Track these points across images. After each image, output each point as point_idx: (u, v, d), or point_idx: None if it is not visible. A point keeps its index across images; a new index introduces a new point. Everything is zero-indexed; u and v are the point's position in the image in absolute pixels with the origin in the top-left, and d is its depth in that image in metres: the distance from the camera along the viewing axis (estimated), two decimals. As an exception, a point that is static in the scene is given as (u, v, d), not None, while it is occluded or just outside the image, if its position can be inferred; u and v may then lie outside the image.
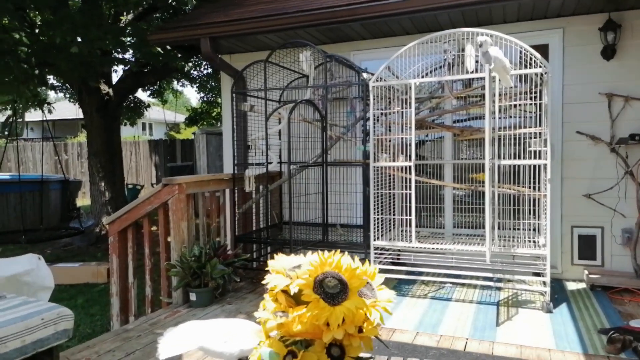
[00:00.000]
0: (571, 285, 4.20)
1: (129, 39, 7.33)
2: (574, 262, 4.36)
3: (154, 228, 4.44)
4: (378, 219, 4.07)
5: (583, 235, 4.31)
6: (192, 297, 3.84)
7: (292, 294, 1.41)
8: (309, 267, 1.39)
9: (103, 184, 8.71)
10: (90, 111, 8.63)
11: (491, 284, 4.06)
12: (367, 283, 1.47)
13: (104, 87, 8.69)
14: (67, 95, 11.16)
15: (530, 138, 3.74)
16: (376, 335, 1.42)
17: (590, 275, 4.07)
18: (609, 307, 3.62)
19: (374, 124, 4.04)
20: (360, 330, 1.40)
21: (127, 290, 4.28)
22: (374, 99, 3.99)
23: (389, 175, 4.23)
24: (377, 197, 4.06)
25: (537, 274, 3.85)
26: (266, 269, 1.53)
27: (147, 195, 4.13)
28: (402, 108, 4.05)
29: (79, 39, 6.48)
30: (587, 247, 4.30)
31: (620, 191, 4.19)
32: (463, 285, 4.19)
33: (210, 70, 11.15)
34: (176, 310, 3.80)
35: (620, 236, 4.20)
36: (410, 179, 3.88)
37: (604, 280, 4.00)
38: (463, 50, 3.69)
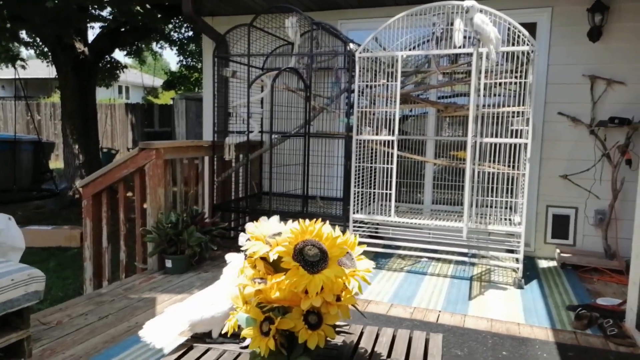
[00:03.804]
0: (543, 263, 4.30)
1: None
2: (546, 241, 4.46)
3: (129, 193, 4.35)
4: (358, 192, 4.07)
5: (557, 215, 4.40)
6: (168, 263, 3.80)
7: (271, 261, 1.38)
8: (290, 234, 1.36)
9: (77, 146, 8.47)
10: (65, 70, 8.31)
11: (466, 259, 4.13)
12: (347, 253, 1.45)
13: (79, 46, 8.34)
14: (37, 52, 10.63)
15: (513, 117, 3.75)
16: (354, 304, 1.41)
17: (562, 254, 4.17)
18: (578, 285, 3.73)
19: (359, 96, 3.99)
20: (338, 298, 1.39)
21: (101, 255, 4.21)
22: (359, 71, 3.92)
23: (371, 149, 4.20)
24: (358, 170, 4.04)
25: (511, 251, 3.93)
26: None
27: (123, 159, 4.02)
28: (388, 81, 4.00)
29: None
30: (560, 226, 4.40)
31: (596, 173, 4.26)
32: (438, 260, 4.25)
33: (191, 33, 10.81)
34: (151, 276, 3.76)
35: (593, 217, 4.29)
36: (392, 154, 3.86)
37: (574, 259, 4.11)
38: (452, 24, 3.63)
